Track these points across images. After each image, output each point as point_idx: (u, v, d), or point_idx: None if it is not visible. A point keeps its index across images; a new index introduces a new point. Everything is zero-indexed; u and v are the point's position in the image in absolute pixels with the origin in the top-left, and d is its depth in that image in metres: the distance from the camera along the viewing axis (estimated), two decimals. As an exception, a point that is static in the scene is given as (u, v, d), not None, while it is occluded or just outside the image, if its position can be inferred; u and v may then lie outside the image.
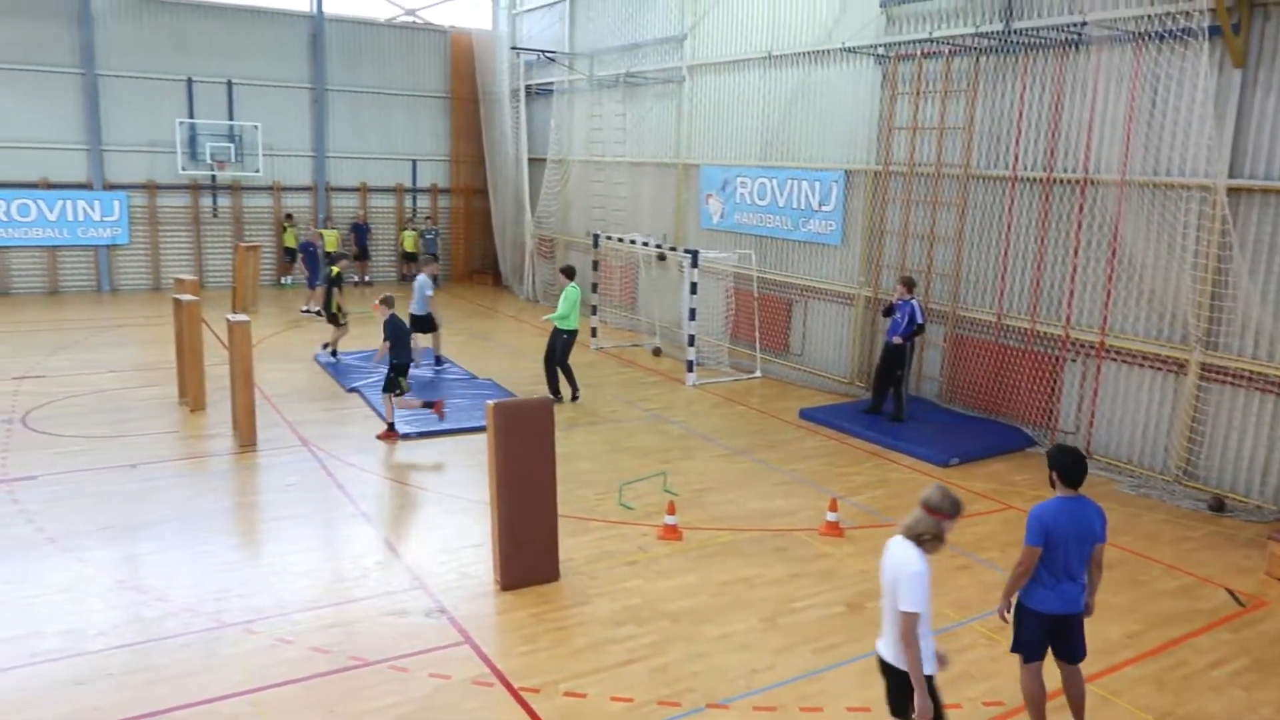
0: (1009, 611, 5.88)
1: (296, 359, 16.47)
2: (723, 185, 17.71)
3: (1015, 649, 5.93)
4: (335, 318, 16.36)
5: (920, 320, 12.87)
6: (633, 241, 18.10)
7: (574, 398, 14.21)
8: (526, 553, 7.96)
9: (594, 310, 18.51)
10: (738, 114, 17.43)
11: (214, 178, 24.13)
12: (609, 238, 18.68)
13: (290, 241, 24.63)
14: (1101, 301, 11.74)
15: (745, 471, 11.34)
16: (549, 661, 6.84)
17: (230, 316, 11.91)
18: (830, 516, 9.45)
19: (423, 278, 15.64)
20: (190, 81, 23.66)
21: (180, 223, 24.26)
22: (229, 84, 24.08)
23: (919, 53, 13.68)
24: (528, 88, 24.31)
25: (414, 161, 26.79)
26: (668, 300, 18.56)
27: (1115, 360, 11.69)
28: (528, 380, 15.43)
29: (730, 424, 13.43)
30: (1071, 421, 12.19)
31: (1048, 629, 5.80)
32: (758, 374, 16.34)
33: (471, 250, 27.65)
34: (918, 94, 13.79)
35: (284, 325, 19.70)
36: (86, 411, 12.96)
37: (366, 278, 26.08)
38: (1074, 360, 12.15)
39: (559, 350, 14.02)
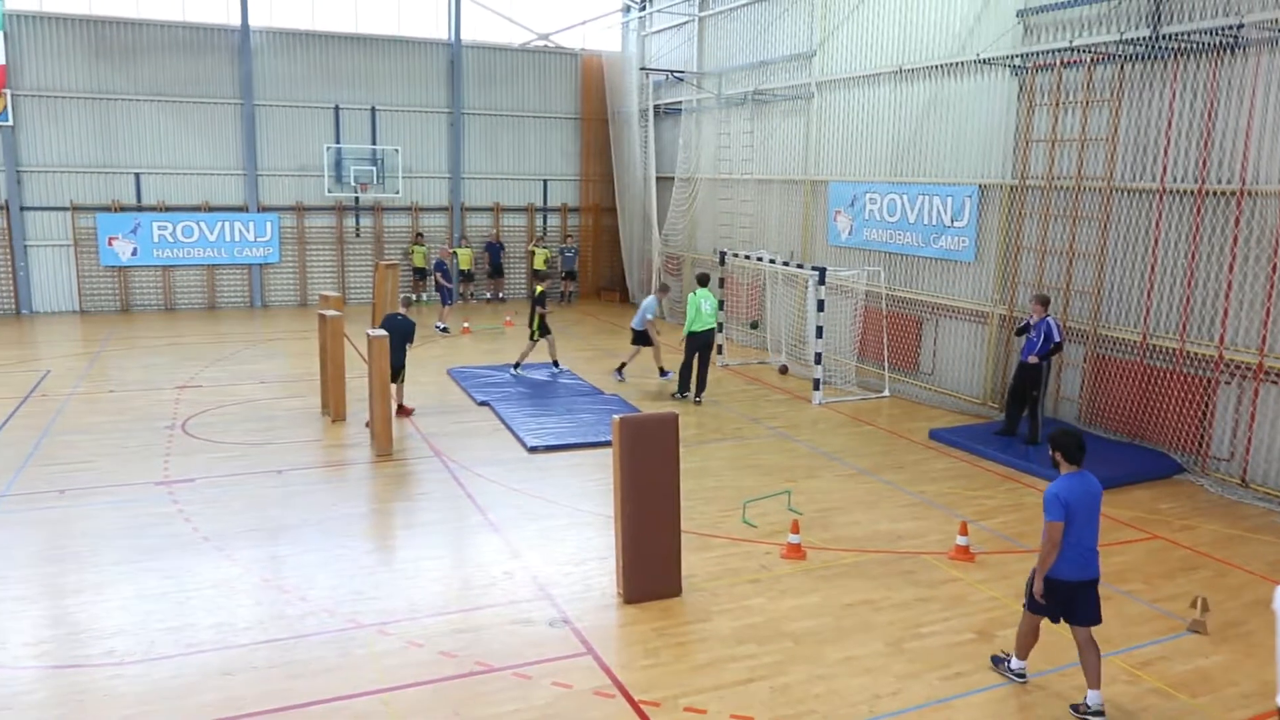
0: (1039, 592, 6.34)
1: (431, 372, 17.06)
2: (851, 201, 17.48)
3: (1026, 604, 6.57)
4: (534, 334, 16.76)
5: (1057, 339, 12.36)
6: (759, 259, 18.04)
7: (683, 393, 15.37)
8: (649, 567, 8.02)
9: (720, 327, 18.50)
10: (867, 129, 17.19)
11: (357, 199, 25.34)
12: (736, 255, 18.67)
13: (420, 261, 25.58)
14: (1260, 320, 11.02)
15: (871, 492, 11.11)
16: (670, 676, 6.86)
17: (370, 332, 12.46)
18: (960, 540, 9.16)
19: (650, 300, 16.35)
20: (337, 109, 24.94)
21: (325, 242, 25.55)
22: (373, 110, 25.26)
23: (1058, 62, 13.20)
24: (656, 107, 24.60)
25: (545, 181, 27.46)
26: (794, 317, 18.39)
27: (1277, 384, 10.94)
28: (653, 396, 15.55)
29: (857, 443, 13.19)
30: (1226, 447, 11.47)
31: (1062, 595, 6.32)
32: (886, 393, 16.00)
33: (599, 267, 28.09)
34: (1057, 105, 13.31)
35: (419, 340, 20.41)
36: (238, 420, 13.75)
37: (500, 294, 26.82)
38: (1228, 383, 11.43)
39: (687, 351, 15.25)
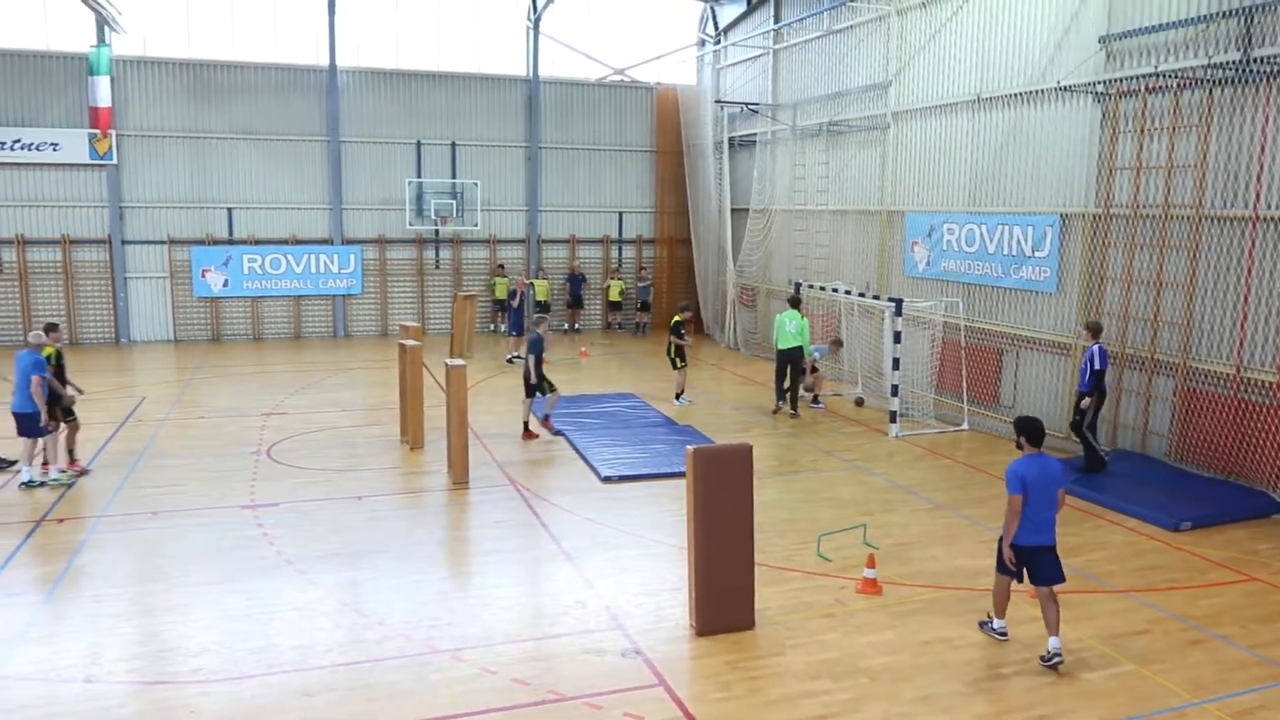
0: (1009, 557, 7.53)
1: (507, 402, 17.29)
2: (929, 232, 17.28)
3: (997, 567, 7.74)
4: (674, 363, 17.12)
5: (1096, 366, 12.17)
6: (835, 290, 17.92)
7: (778, 408, 16.55)
8: (722, 599, 7.97)
9: (804, 372, 18.35)
10: (945, 158, 17.01)
11: (437, 232, 25.95)
12: (811, 286, 18.59)
13: (501, 292, 26.02)
14: (1363, 353, 10.55)
15: (950, 527, 10.88)
16: (743, 710, 6.80)
17: (448, 361, 12.71)
18: (1043, 578, 8.89)
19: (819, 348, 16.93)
20: (419, 144, 25.64)
21: (406, 274, 26.18)
22: (453, 145, 25.91)
23: (1143, 88, 12.91)
24: (731, 140, 24.72)
25: (620, 213, 27.76)
26: (871, 349, 18.19)
27: (1381, 419, 10.44)
28: (728, 426, 15.51)
29: (934, 477, 12.95)
30: (1328, 486, 10.96)
31: (1023, 558, 7.53)
32: (965, 426, 15.68)
33: (674, 299, 28.08)
34: (1142, 131, 13.00)
35: (496, 370, 20.75)
36: (321, 446, 14.12)
37: (577, 325, 27.10)
38: (1330, 418, 10.94)
39: (778, 369, 16.44)
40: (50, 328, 12.60)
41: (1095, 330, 12.43)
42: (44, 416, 11.78)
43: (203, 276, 24.45)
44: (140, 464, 13.00)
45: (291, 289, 25.16)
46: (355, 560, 9.67)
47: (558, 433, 14.79)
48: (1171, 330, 12.78)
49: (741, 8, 24.69)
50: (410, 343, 13.98)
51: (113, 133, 23.22)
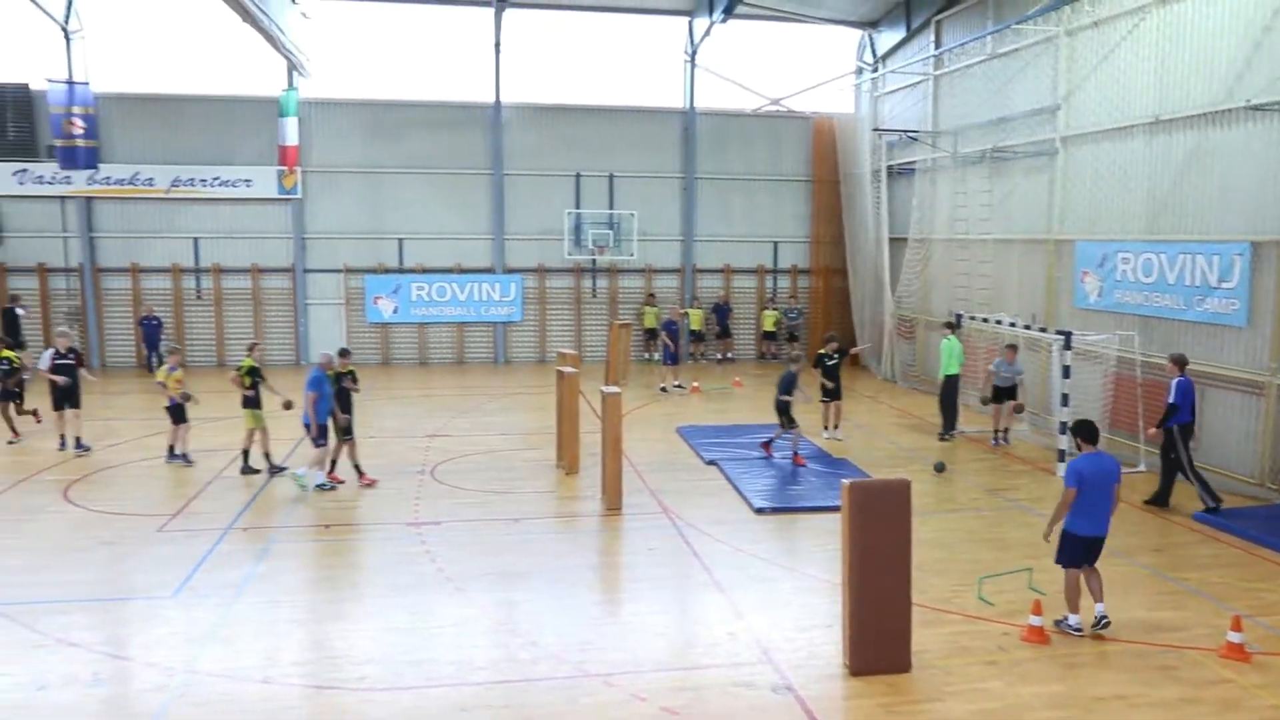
0: (1051, 537, 8.71)
1: (660, 430, 17.43)
2: (1100, 261, 16.42)
3: (1060, 562, 8.69)
4: (830, 391, 16.84)
5: (1171, 399, 12.23)
6: (998, 322, 17.25)
7: (942, 435, 16.91)
8: (878, 639, 7.75)
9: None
10: (1119, 184, 16.15)
11: (594, 261, 26.53)
12: (973, 318, 17.96)
13: (651, 321, 26.29)
14: None
15: (1124, 576, 10.22)
16: (897, 755, 6.58)
17: (604, 389, 12.93)
18: (1233, 637, 8.22)
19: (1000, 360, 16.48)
20: (578, 176, 26.34)
21: (564, 302, 26.86)
22: (610, 177, 26.49)
23: (1350, 108, 11.92)
24: (889, 168, 24.27)
25: (775, 243, 27.63)
26: (1037, 384, 17.38)
27: None
28: (884, 461, 15.12)
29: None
30: None
31: (1083, 546, 8.58)
32: (1141, 467, 14.72)
33: (830, 330, 27.69)
34: (1348, 154, 11.99)
35: (649, 399, 20.95)
36: (481, 468, 14.59)
37: (729, 355, 27.07)
38: None
39: (943, 392, 16.90)
40: (343, 352, 14.07)
41: (1179, 362, 12.50)
42: (314, 429, 12.92)
43: (374, 303, 25.81)
44: (311, 482, 13.74)
45: (456, 316, 26.22)
46: (511, 580, 9.92)
47: (710, 462, 14.77)
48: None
49: (901, 34, 24.28)
50: (567, 369, 14.31)
51: (298, 169, 24.91)
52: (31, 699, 7.32)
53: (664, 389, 21.80)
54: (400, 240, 25.93)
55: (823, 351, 16.89)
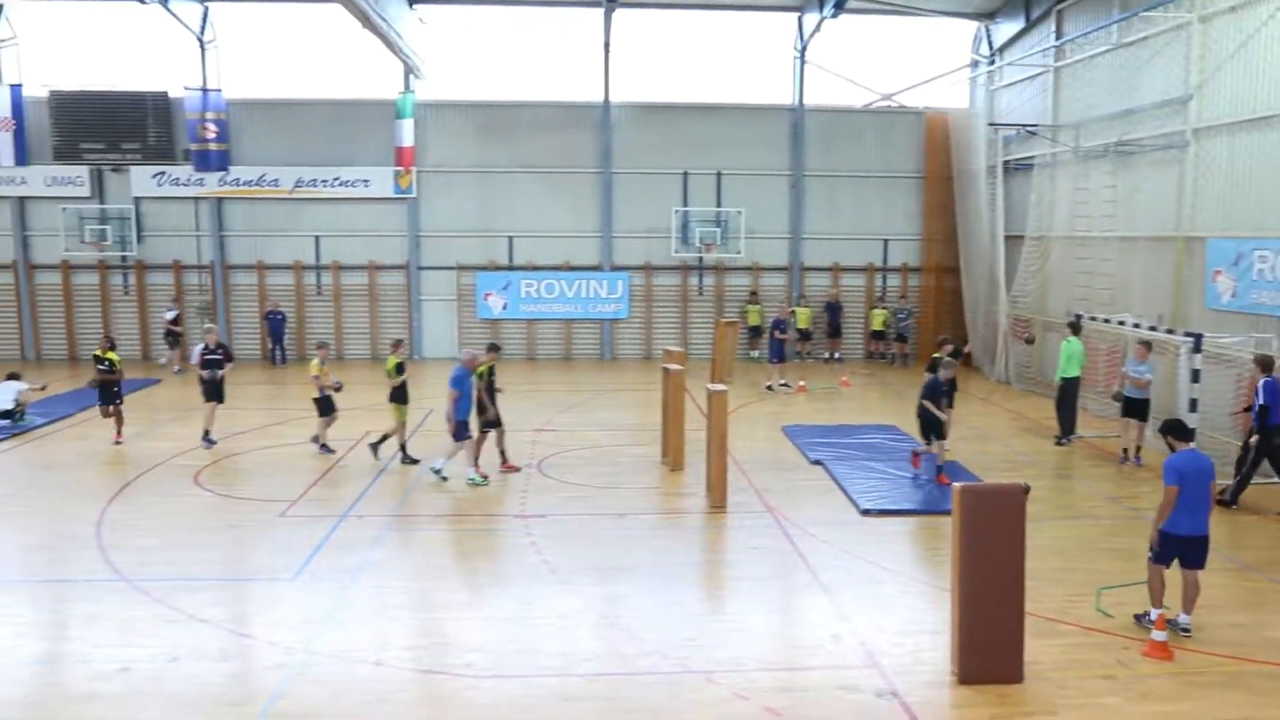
0: (1155, 544, 8.43)
1: (765, 429, 17.31)
2: (1235, 260, 15.55)
3: (1152, 558, 8.47)
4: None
5: (1261, 401, 12.02)
6: (1120, 323, 16.53)
7: (1059, 439, 16.23)
8: (987, 647, 7.53)
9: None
10: (1258, 178, 15.25)
11: (701, 259, 26.51)
12: (1093, 318, 17.26)
13: (754, 319, 26.12)
14: None
15: (1258, 592, 9.69)
16: (1008, 767, 6.39)
17: (710, 386, 12.92)
18: (1380, 661, 7.72)
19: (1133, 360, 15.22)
20: (685, 174, 26.36)
21: (670, 299, 26.93)
22: (718, 175, 26.42)
23: None
24: (1006, 163, 23.50)
25: (885, 241, 27.10)
26: (1163, 389, 16.58)
27: None
28: (997, 465, 14.69)
29: (1240, 534, 11.57)
30: None
31: (1179, 547, 8.35)
32: (1278, 479, 13.91)
33: (941, 329, 26.98)
34: None
35: (755, 397, 20.84)
36: (586, 463, 14.77)
37: (836, 355, 26.70)
38: None
39: (1061, 395, 16.28)
40: (492, 347, 14.62)
41: (1264, 364, 12.28)
42: (452, 424, 13.25)
43: (485, 300, 26.39)
44: (425, 471, 14.14)
45: (563, 312, 26.59)
46: (614, 575, 10.01)
47: (815, 462, 14.60)
48: None
49: (1019, 25, 23.49)
50: (673, 367, 14.35)
51: (413, 169, 25.66)
52: (165, 670, 7.76)
53: (769, 387, 21.64)
54: (510, 238, 26.43)
55: (936, 355, 16.16)
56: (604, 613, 9.02)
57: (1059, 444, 16.27)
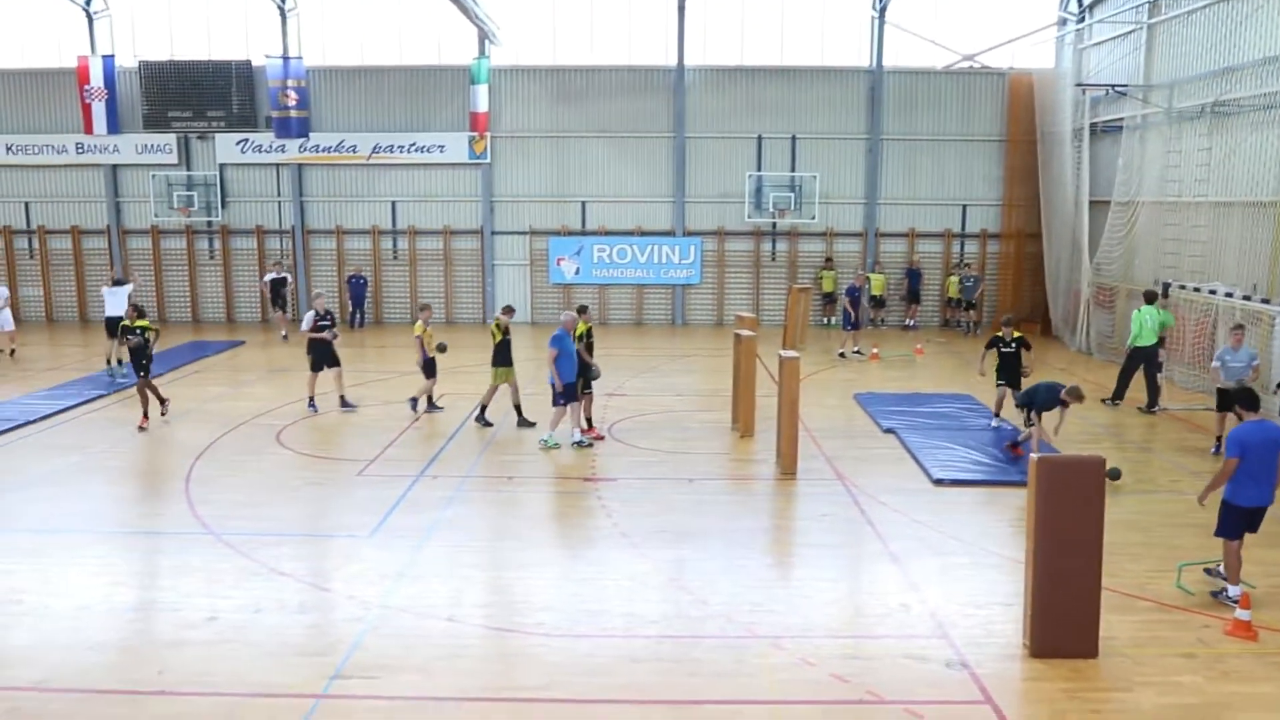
0: (1206, 502, 8.53)
1: (837, 396, 17.15)
2: (1340, 226, 14.82)
3: (1220, 533, 8.39)
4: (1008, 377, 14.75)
5: None
6: (1212, 292, 15.92)
7: (1145, 409, 15.92)
8: (1062, 621, 7.40)
9: (1159, 367, 16.56)
10: (1366, 141, 14.48)
11: (774, 225, 26.25)
12: (1182, 287, 16.64)
13: (828, 285, 25.80)
14: None
15: (1352, 571, 9.32)
16: (1079, 742, 6.30)
17: (781, 353, 12.83)
18: None
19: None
20: (760, 139, 26.05)
21: (743, 265, 26.75)
22: (793, 139, 26.05)
23: None
24: (1093, 125, 22.69)
25: (964, 206, 26.46)
26: (1262, 363, 15.94)
27: None
28: (1074, 436, 14.31)
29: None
30: None
31: (1246, 518, 8.28)
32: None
33: (1020, 297, 26.40)
34: None
35: (827, 364, 20.64)
36: (656, 427, 14.83)
37: (912, 322, 26.27)
38: None
39: (1128, 363, 16.15)
40: (581, 309, 14.46)
41: None
42: (558, 386, 13.25)
43: (557, 265, 26.55)
44: (498, 434, 14.36)
45: (635, 278, 26.63)
46: (682, 539, 10.07)
47: (888, 430, 14.44)
48: None
49: (1113, -20, 22.57)
50: (745, 333, 14.27)
51: (488, 135, 25.84)
52: (249, 620, 8.08)
53: (842, 354, 21.41)
54: (583, 203, 26.50)
55: (999, 334, 14.78)
56: (671, 576, 9.09)
57: (1148, 412, 15.86)
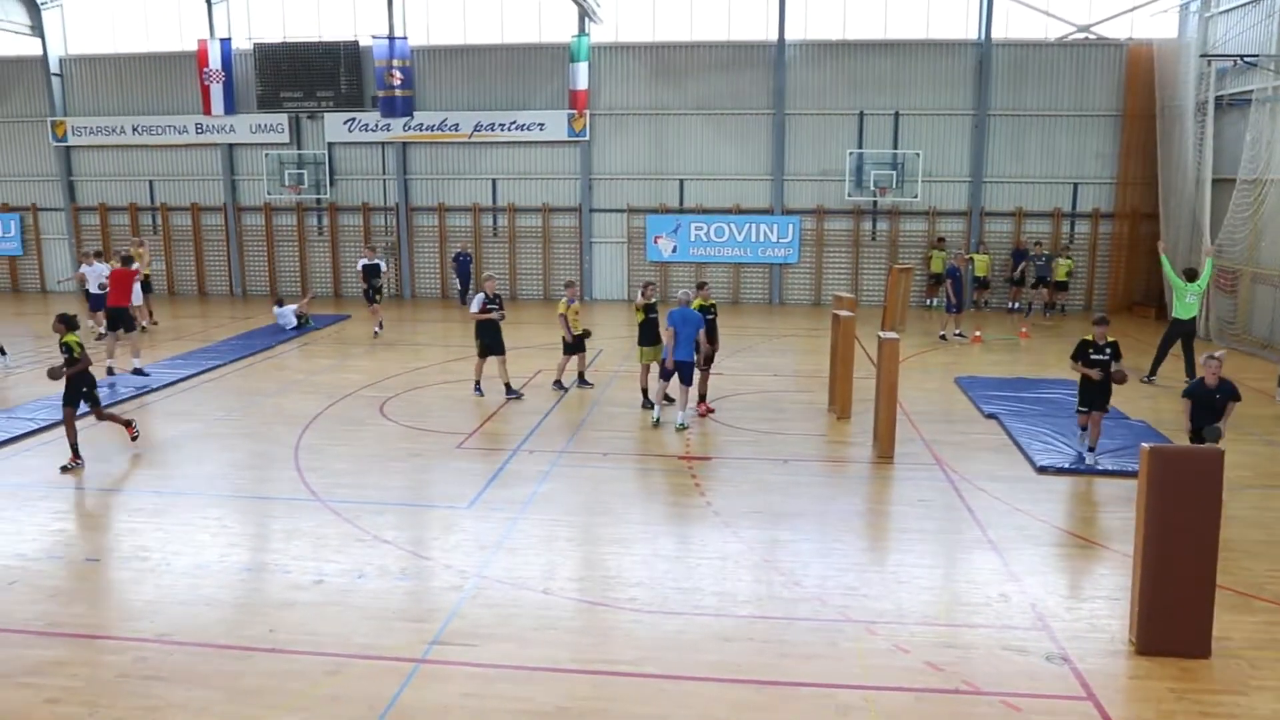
0: None
1: (937, 379, 16.79)
2: None
3: None
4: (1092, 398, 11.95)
5: None
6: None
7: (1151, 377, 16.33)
8: (1171, 618, 7.12)
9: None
10: None
11: (875, 203, 25.73)
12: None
13: (938, 266, 25.13)
14: None
15: None
16: (1188, 743, 6.07)
17: (881, 334, 12.61)
18: None
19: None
20: (861, 115, 25.52)
21: (842, 245, 26.33)
22: (895, 115, 25.44)
23: None
24: (1218, 99, 21.53)
25: (1075, 185, 25.47)
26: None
27: None
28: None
29: None
30: None
31: None
32: None
33: (1133, 280, 25.34)
34: None
35: (927, 347, 20.20)
36: (752, 407, 14.76)
37: (1017, 305, 25.45)
38: None
39: (1168, 334, 16.54)
40: (700, 285, 14.82)
41: None
42: (669, 361, 13.29)
43: (655, 243, 26.58)
44: (594, 411, 14.50)
45: (732, 256, 26.48)
46: (776, 520, 10.02)
47: (989, 416, 14.07)
48: None
49: (1245, -56, 21.30)
50: (843, 313, 14.07)
51: (587, 113, 25.96)
52: (353, 584, 8.38)
53: (943, 336, 20.91)
54: (681, 181, 26.44)
55: (1088, 339, 11.73)
56: (765, 556, 9.07)
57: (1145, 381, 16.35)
